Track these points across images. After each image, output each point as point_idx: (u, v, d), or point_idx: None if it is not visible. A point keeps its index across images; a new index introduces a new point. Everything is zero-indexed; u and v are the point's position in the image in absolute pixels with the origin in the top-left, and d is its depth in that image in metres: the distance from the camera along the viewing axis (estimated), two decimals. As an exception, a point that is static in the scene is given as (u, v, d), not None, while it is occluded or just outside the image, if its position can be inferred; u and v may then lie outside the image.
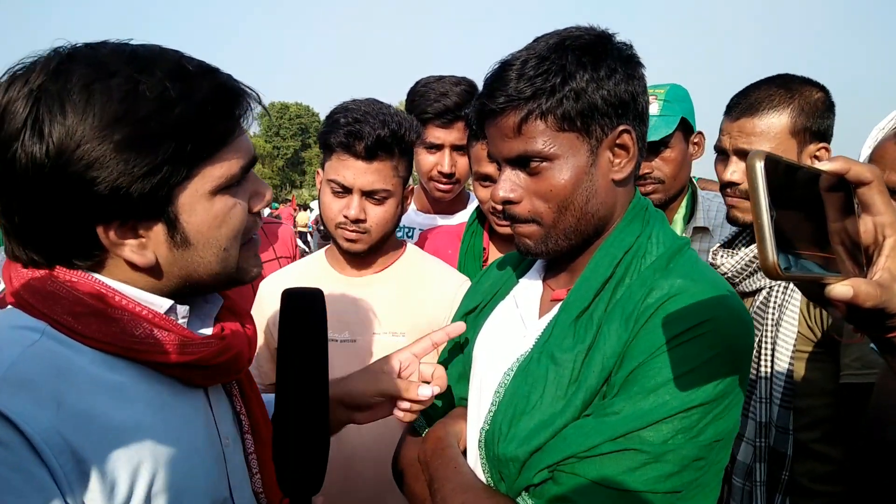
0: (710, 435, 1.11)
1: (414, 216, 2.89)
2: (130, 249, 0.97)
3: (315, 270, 2.11)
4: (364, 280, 2.05)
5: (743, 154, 1.91)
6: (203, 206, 0.99)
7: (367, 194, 1.91)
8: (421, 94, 2.63)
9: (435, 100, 2.57)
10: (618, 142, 1.25)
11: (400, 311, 2.00)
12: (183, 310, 1.06)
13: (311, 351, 1.03)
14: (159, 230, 0.97)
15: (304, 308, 1.06)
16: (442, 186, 2.68)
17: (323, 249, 2.20)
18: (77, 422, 0.89)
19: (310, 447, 1.01)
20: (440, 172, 2.64)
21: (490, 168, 2.09)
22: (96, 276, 0.98)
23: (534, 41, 1.26)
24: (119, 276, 1.00)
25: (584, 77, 1.19)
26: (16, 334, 0.93)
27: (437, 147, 2.63)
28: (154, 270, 1.00)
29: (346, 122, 1.87)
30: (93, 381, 0.93)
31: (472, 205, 2.85)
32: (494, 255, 2.32)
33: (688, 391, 1.10)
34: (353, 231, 1.94)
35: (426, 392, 1.35)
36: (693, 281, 1.18)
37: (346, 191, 1.92)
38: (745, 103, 1.92)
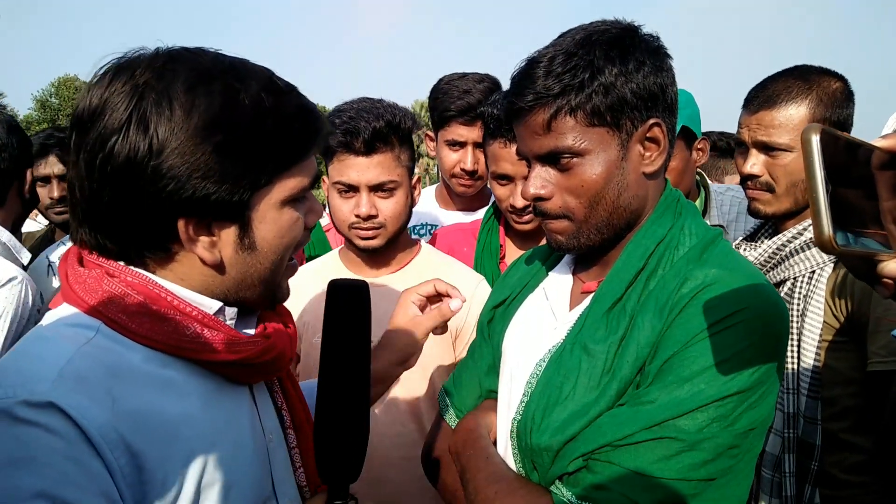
0: (745, 423, 1.12)
1: (437, 213, 2.89)
2: (202, 246, 1.00)
3: (329, 271, 2.09)
4: (381, 280, 2.04)
5: (762, 147, 1.91)
6: (273, 215, 1.03)
7: (375, 189, 1.91)
8: (444, 91, 2.64)
9: (458, 97, 2.58)
10: (648, 135, 1.25)
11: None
12: (231, 311, 1.09)
13: (358, 342, 1.05)
14: (231, 232, 1.01)
15: (351, 299, 1.07)
16: (465, 182, 2.69)
17: (336, 250, 2.20)
18: (131, 417, 0.91)
19: (352, 436, 1.02)
20: (463, 170, 2.65)
21: (508, 167, 2.09)
22: (150, 275, 1.01)
23: (559, 37, 1.27)
24: (182, 272, 1.03)
25: (612, 71, 1.19)
26: (71, 332, 0.95)
27: (461, 144, 2.64)
28: (218, 269, 1.03)
29: (341, 123, 1.87)
30: (145, 378, 0.96)
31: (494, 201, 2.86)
32: (511, 251, 2.32)
33: (723, 380, 1.10)
34: (367, 228, 1.94)
35: (456, 303, 1.51)
36: (728, 270, 1.18)
37: (353, 189, 1.92)
38: (763, 96, 1.91)
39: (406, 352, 1.52)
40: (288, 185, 1.04)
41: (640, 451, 1.10)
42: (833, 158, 0.67)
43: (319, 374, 1.03)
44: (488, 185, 2.97)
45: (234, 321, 1.10)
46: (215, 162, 0.94)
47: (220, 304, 1.06)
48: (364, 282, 1.10)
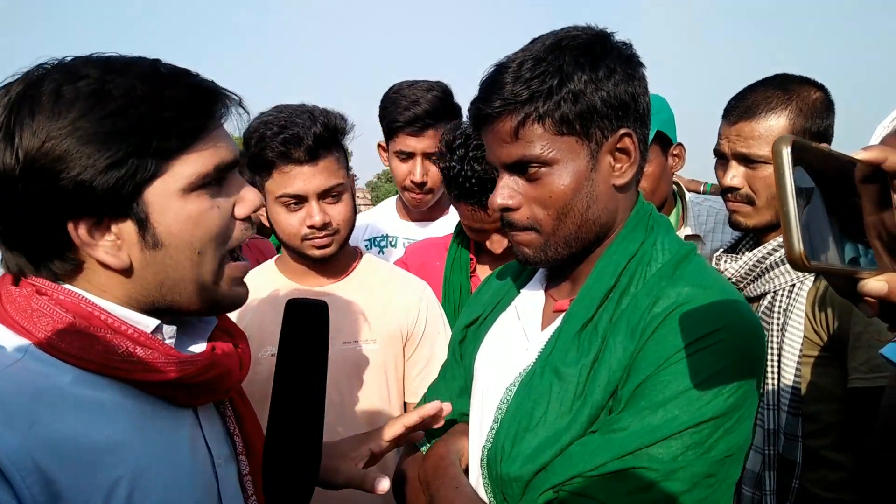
0: (721, 450, 1.08)
1: (396, 224, 2.85)
2: (104, 250, 0.96)
3: (268, 281, 2.02)
4: (325, 289, 1.98)
5: (742, 158, 1.88)
6: (175, 205, 0.97)
7: (323, 195, 1.85)
8: (392, 101, 2.59)
9: (406, 107, 2.53)
10: (619, 146, 1.20)
11: (369, 318, 1.96)
12: (170, 329, 1.05)
13: (315, 364, 1.00)
14: (131, 229, 0.96)
15: (312, 320, 1.02)
16: (415, 196, 2.65)
17: (271, 260, 2.12)
18: (50, 443, 0.87)
19: (304, 461, 0.98)
20: (412, 182, 2.61)
21: (478, 225, 2.08)
22: (81, 292, 0.98)
23: (530, 43, 1.23)
24: (98, 283, 0.99)
25: (582, 78, 1.15)
26: None
27: (409, 155, 2.60)
28: (128, 273, 0.99)
29: (274, 133, 1.79)
30: (72, 401, 0.92)
31: (454, 210, 2.83)
32: (481, 266, 2.29)
33: (698, 405, 1.06)
34: (323, 237, 1.87)
35: (384, 486, 1.30)
36: (702, 288, 1.14)
37: (301, 200, 1.85)
38: (742, 106, 1.88)
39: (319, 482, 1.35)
40: (184, 171, 0.97)
41: (611, 482, 1.06)
42: (811, 170, 0.63)
43: (273, 394, 0.99)
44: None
45: (173, 340, 1.05)
46: (83, 153, 0.90)
47: (156, 322, 1.02)
48: (324, 302, 1.05)
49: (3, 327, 0.96)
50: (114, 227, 0.96)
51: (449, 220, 2.74)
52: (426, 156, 2.58)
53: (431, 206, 2.79)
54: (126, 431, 0.95)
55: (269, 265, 2.10)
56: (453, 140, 2.01)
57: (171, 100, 0.95)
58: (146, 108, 0.93)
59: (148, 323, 1.01)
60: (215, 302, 1.06)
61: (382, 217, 2.88)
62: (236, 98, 1.04)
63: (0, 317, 0.97)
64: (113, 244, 0.96)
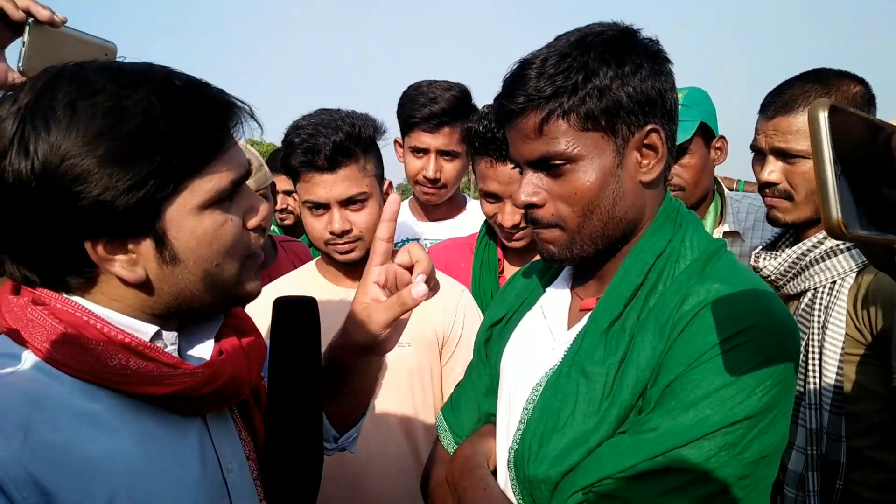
0: (755, 451, 1.04)
1: (414, 226, 2.84)
2: (120, 265, 0.95)
3: (307, 283, 2.05)
4: None
5: (779, 153, 1.84)
6: (191, 222, 0.97)
7: (345, 203, 1.87)
8: (410, 98, 2.59)
9: (423, 104, 2.53)
10: (645, 142, 1.18)
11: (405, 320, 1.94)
12: (170, 336, 1.04)
13: (305, 362, 0.99)
14: (148, 246, 0.96)
15: (300, 319, 1.01)
16: (428, 190, 2.65)
17: (312, 262, 2.15)
18: (45, 453, 0.86)
19: (303, 462, 0.96)
20: (425, 177, 2.61)
21: (495, 186, 2.03)
22: (80, 301, 0.97)
23: (554, 39, 1.21)
24: (112, 294, 0.98)
25: (607, 73, 1.13)
26: None
27: (424, 151, 2.60)
28: (145, 287, 0.98)
29: (300, 141, 1.83)
30: (70, 412, 0.91)
31: (471, 207, 2.81)
32: (509, 267, 2.26)
33: (731, 404, 1.03)
34: (344, 243, 1.90)
35: (420, 289, 1.17)
36: (732, 285, 1.10)
37: (323, 207, 1.88)
38: (779, 101, 1.84)
39: (361, 344, 1.23)
40: (203, 188, 0.97)
41: (643, 484, 1.03)
42: (843, 136, 0.60)
43: (267, 397, 0.98)
44: (464, 193, 2.93)
45: (175, 346, 1.04)
46: (105, 174, 0.88)
47: (155, 328, 1.01)
48: (313, 299, 1.03)
49: (4, 337, 0.96)
50: (130, 245, 0.95)
51: (467, 218, 2.74)
52: (440, 153, 2.58)
53: (448, 205, 2.78)
54: (125, 443, 0.94)
55: (310, 267, 2.13)
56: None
57: (188, 117, 0.94)
58: (165, 126, 0.92)
59: (146, 330, 1.00)
60: (232, 301, 1.07)
61: (399, 220, 2.85)
62: (248, 109, 1.04)
63: (2, 327, 0.97)
64: (129, 259, 0.95)
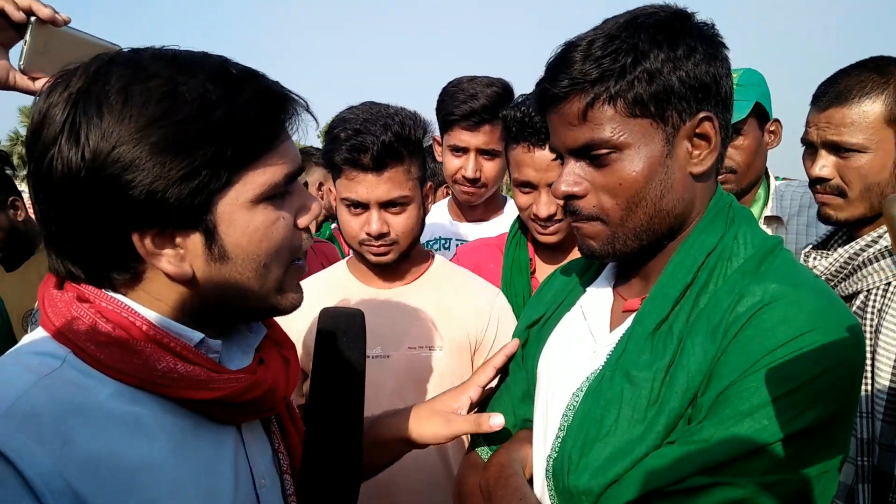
0: (816, 465, 0.97)
1: (449, 226, 2.78)
2: (167, 260, 0.91)
3: (338, 283, 2.00)
4: (394, 292, 1.94)
5: (832, 147, 1.75)
6: (243, 216, 0.93)
7: (385, 205, 1.81)
8: (450, 94, 2.52)
9: (463, 101, 2.46)
10: (697, 130, 1.11)
11: (437, 323, 1.90)
12: (215, 344, 1.00)
13: (349, 376, 0.94)
14: (197, 241, 0.92)
15: (346, 331, 0.96)
16: (467, 189, 2.58)
17: (344, 261, 2.10)
18: (83, 462, 0.83)
19: (342, 477, 0.92)
20: (464, 177, 2.54)
21: (531, 173, 1.96)
22: (126, 301, 0.94)
23: (603, 22, 1.14)
24: (156, 292, 0.95)
25: (658, 56, 1.06)
26: (34, 361, 0.88)
27: (463, 150, 2.53)
28: (191, 284, 0.94)
29: (346, 137, 1.76)
30: (109, 416, 0.88)
31: (509, 209, 2.74)
32: (541, 266, 2.19)
33: (789, 415, 0.96)
34: (379, 245, 1.84)
35: (499, 421, 1.29)
36: (791, 286, 1.03)
37: (362, 206, 1.82)
38: (833, 91, 1.76)
39: (423, 439, 1.36)
40: (255, 181, 0.93)
41: (693, 499, 0.96)
42: None
43: (306, 408, 0.93)
44: (503, 194, 2.86)
45: (218, 354, 1.00)
46: (157, 162, 0.85)
47: (201, 335, 0.97)
48: (360, 311, 0.99)
49: (44, 333, 0.93)
50: (178, 238, 0.92)
51: (504, 220, 2.66)
52: (480, 152, 2.51)
53: (485, 206, 2.71)
54: (164, 450, 0.91)
55: (341, 266, 2.08)
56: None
57: (244, 106, 0.91)
58: (221, 114, 0.89)
59: (192, 336, 0.96)
60: (274, 309, 1.02)
61: (435, 219, 2.81)
62: (304, 103, 1.00)
63: (42, 322, 0.94)
64: (176, 254, 0.92)
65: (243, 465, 1.02)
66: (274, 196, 0.96)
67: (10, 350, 0.94)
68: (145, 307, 0.95)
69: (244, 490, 1.01)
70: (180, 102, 0.87)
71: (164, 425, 0.92)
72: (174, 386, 0.91)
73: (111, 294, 0.94)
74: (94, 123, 0.85)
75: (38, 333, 0.94)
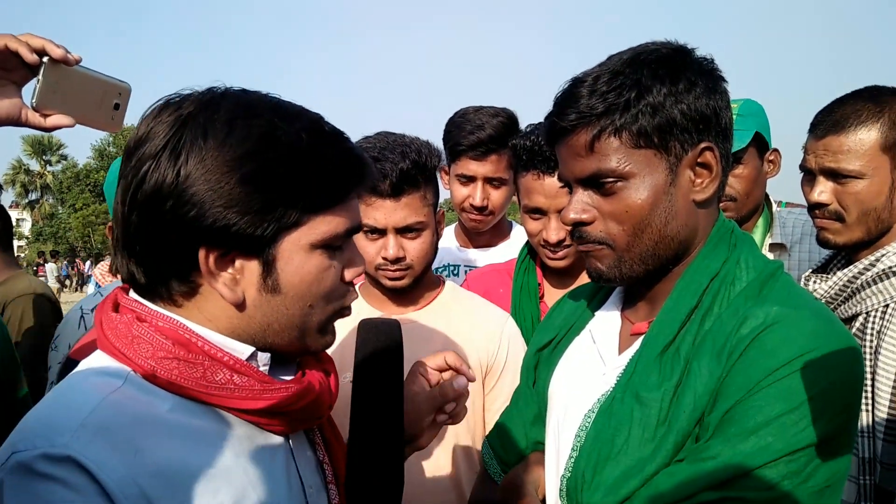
0: (820, 480, 1.01)
1: (457, 252, 2.82)
2: (223, 282, 0.97)
3: (353, 308, 2.02)
4: (407, 317, 1.96)
5: (830, 174, 1.80)
6: (300, 257, 1.00)
7: (401, 231, 1.85)
8: (457, 124, 2.58)
9: (470, 132, 2.51)
10: (699, 160, 1.16)
11: (448, 348, 1.91)
12: (264, 357, 1.05)
13: (392, 384, 0.98)
14: (254, 269, 0.98)
15: (386, 339, 1.01)
16: (474, 217, 2.63)
17: (357, 286, 2.12)
18: (154, 470, 0.88)
19: (387, 483, 0.96)
20: (472, 205, 2.59)
21: (540, 200, 2.01)
22: (180, 319, 0.99)
23: (607, 58, 1.20)
24: (208, 311, 1.00)
25: (661, 91, 1.12)
26: (100, 380, 0.94)
27: (470, 179, 2.58)
28: (240, 308, 1.00)
29: None
30: (172, 428, 0.93)
31: (515, 235, 2.79)
32: (550, 291, 2.22)
33: (793, 431, 1.00)
34: (395, 270, 1.88)
35: (462, 382, 1.30)
36: (792, 308, 1.07)
37: (378, 232, 1.86)
38: (830, 120, 1.81)
39: (410, 432, 1.32)
40: (320, 228, 1.00)
41: None
42: None
43: (351, 418, 0.97)
44: (510, 220, 2.90)
45: (267, 367, 1.05)
46: (240, 192, 0.93)
47: (251, 349, 1.02)
48: (397, 321, 1.04)
49: (104, 354, 0.99)
50: (238, 262, 0.98)
51: (511, 246, 2.70)
52: (487, 180, 2.56)
53: (492, 232, 2.75)
54: (226, 458, 0.96)
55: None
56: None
57: (329, 159, 1.00)
58: (307, 161, 0.97)
59: (243, 350, 1.01)
60: (307, 349, 1.08)
61: (443, 245, 2.85)
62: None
63: (101, 343, 0.99)
64: (232, 278, 0.98)
65: (294, 473, 1.06)
66: (331, 246, 1.02)
67: (74, 372, 1.00)
68: (199, 325, 1.00)
69: (297, 498, 1.05)
70: (275, 143, 0.95)
71: (224, 435, 0.97)
72: (231, 397, 0.97)
73: (166, 313, 0.99)
74: (196, 146, 0.93)
75: (97, 356, 1.00)
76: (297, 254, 0.99)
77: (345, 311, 1.09)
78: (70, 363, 2.10)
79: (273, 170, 0.95)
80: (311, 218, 0.99)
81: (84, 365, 1.00)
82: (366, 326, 1.03)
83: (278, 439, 1.06)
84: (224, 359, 0.97)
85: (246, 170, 0.93)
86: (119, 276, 1.02)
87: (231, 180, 0.92)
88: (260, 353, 1.04)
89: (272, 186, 0.94)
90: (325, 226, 1.00)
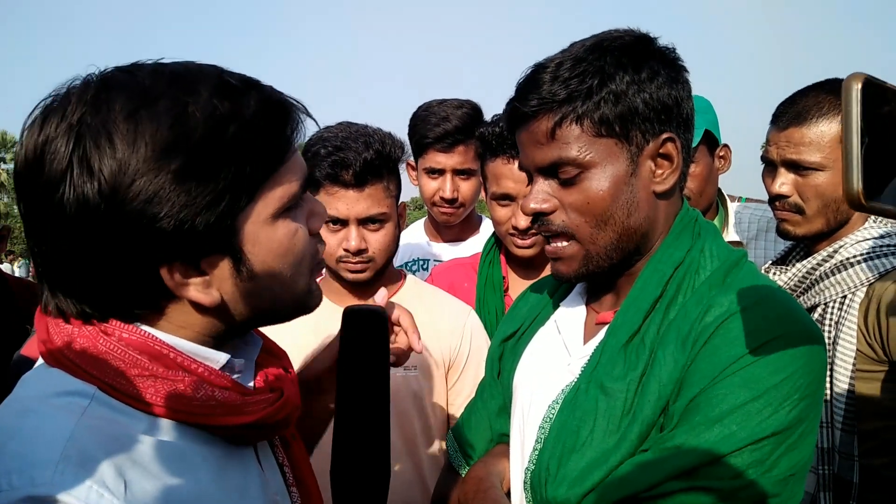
0: (784, 468, 1.00)
1: (427, 247, 2.81)
2: (195, 289, 0.87)
3: None
4: None
5: (791, 165, 1.82)
6: (266, 233, 0.90)
7: (364, 222, 1.82)
8: (422, 118, 2.57)
9: (436, 124, 2.51)
10: (661, 151, 1.15)
11: None
12: (239, 363, 0.98)
13: (378, 373, 0.96)
14: (224, 265, 0.89)
15: (371, 326, 0.99)
16: (446, 210, 2.62)
17: (317, 279, 2.09)
18: (145, 501, 0.80)
19: (373, 474, 0.93)
20: (442, 198, 2.58)
21: (509, 185, 1.99)
22: (148, 329, 0.89)
23: (570, 45, 1.18)
24: (179, 320, 0.91)
25: (623, 79, 1.11)
26: (63, 401, 0.83)
27: (439, 172, 2.58)
28: (219, 310, 0.91)
29: (327, 153, 1.76)
30: (152, 452, 0.84)
31: (485, 229, 2.78)
32: (515, 283, 2.21)
33: (757, 419, 0.99)
34: (357, 262, 1.84)
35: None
36: (757, 296, 1.07)
37: (340, 223, 1.82)
38: (791, 112, 1.82)
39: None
40: (275, 196, 0.90)
41: (669, 503, 0.99)
42: (874, 110, 0.61)
43: (336, 408, 0.95)
44: (478, 213, 2.90)
45: (241, 374, 0.98)
46: (182, 191, 0.80)
47: (227, 356, 0.94)
48: (382, 308, 1.03)
49: (59, 371, 0.86)
50: (204, 265, 0.87)
51: (481, 240, 2.68)
52: (456, 172, 2.56)
53: (462, 226, 2.74)
54: (208, 481, 0.88)
55: None
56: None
57: (253, 119, 0.86)
58: (234, 131, 0.84)
59: (218, 358, 0.93)
60: (306, 309, 1.01)
61: (412, 240, 2.84)
62: (304, 108, 0.96)
63: (55, 360, 0.87)
64: (203, 281, 0.88)
65: (264, 483, 1.00)
66: (290, 208, 0.93)
67: (23, 393, 0.87)
68: (169, 335, 0.90)
69: None
70: (192, 124, 0.82)
71: (203, 454, 0.89)
72: (213, 414, 0.89)
73: (133, 325, 0.89)
74: (106, 154, 0.79)
75: (46, 372, 0.88)
76: (262, 231, 0.89)
77: (321, 267, 1.03)
78: (23, 362, 2.03)
79: (204, 154, 0.82)
80: (263, 189, 0.88)
81: (33, 382, 0.88)
82: (350, 314, 1.00)
83: (247, 450, 0.99)
84: (198, 370, 0.89)
85: (175, 165, 0.80)
86: None
87: (165, 183, 0.79)
88: (235, 361, 0.96)
89: (211, 173, 0.82)
90: (279, 191, 0.90)
